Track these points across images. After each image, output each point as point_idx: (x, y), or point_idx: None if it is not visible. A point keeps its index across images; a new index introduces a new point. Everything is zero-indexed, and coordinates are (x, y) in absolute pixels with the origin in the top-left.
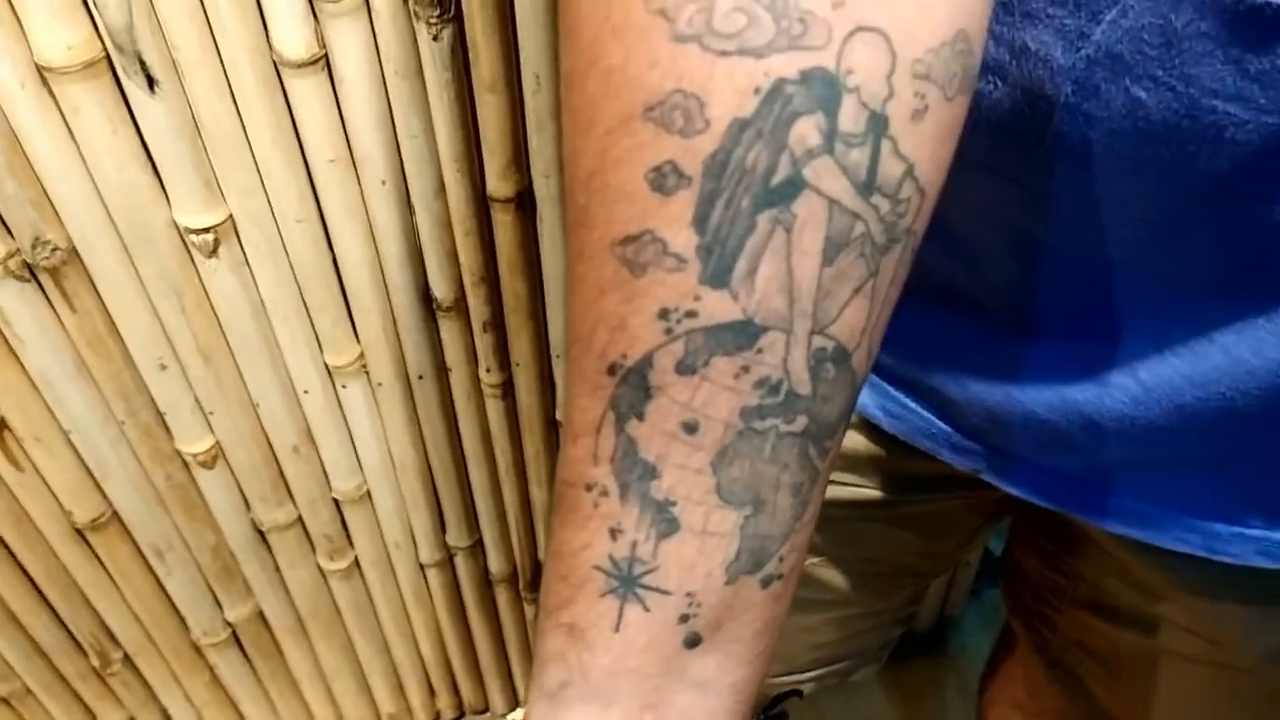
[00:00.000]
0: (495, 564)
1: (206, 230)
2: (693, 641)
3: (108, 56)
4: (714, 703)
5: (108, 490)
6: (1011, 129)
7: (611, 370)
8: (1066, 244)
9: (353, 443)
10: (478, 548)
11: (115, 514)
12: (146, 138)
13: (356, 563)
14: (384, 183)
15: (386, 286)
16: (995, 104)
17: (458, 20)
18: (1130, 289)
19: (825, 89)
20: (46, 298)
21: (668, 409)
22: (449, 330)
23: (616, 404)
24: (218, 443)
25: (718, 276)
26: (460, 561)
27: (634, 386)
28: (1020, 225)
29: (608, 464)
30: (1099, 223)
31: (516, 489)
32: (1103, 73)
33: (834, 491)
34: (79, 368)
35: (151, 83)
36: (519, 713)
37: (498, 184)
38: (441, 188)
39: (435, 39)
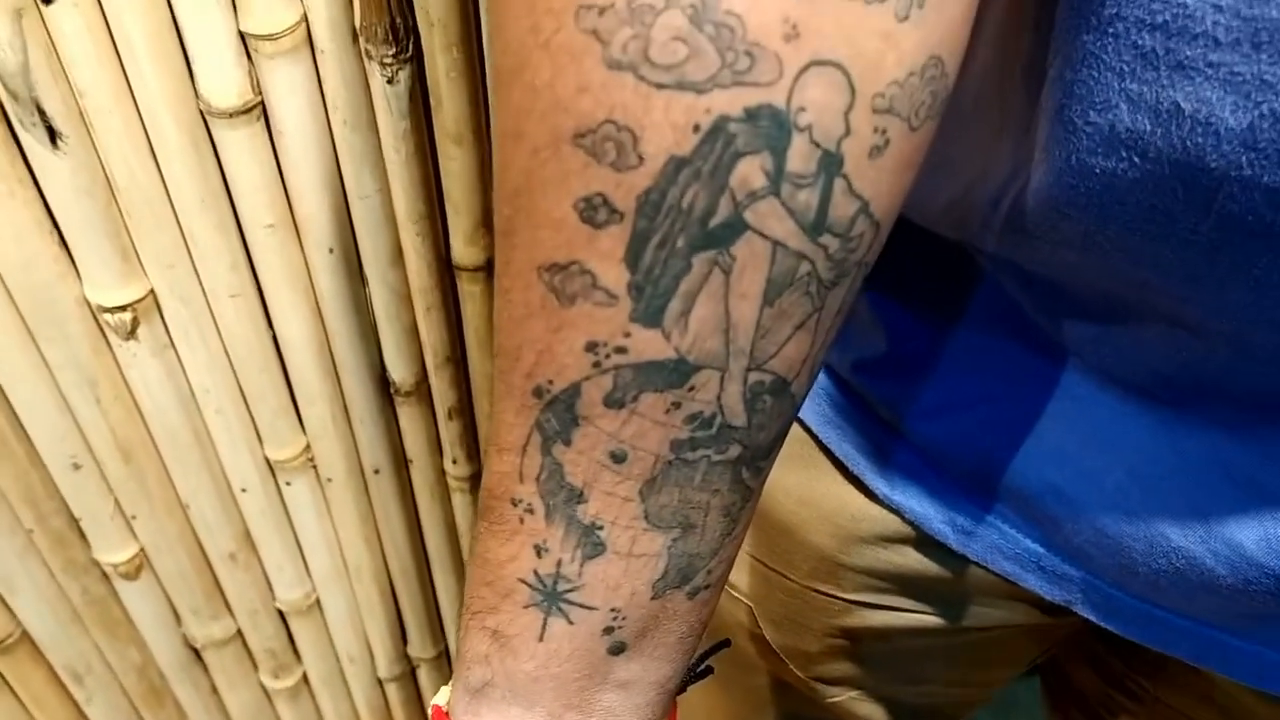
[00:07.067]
0: None
1: (123, 308)
2: (617, 649)
3: (0, 106)
4: (638, 699)
5: (15, 608)
6: (1155, 216)
7: (538, 393)
8: (1237, 343)
9: (299, 546)
10: (443, 658)
11: (25, 634)
12: (50, 201)
13: (305, 680)
14: (331, 250)
15: (336, 369)
16: (1132, 187)
17: (416, 60)
18: None
19: (773, 127)
20: None
21: (595, 438)
22: (409, 418)
23: (542, 427)
24: (142, 550)
25: (649, 316)
26: (425, 674)
27: (560, 412)
28: (1174, 314)
29: (533, 483)
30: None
31: None
32: None
33: (884, 618)
34: None
35: (54, 136)
36: (445, 690)
37: (464, 250)
38: (399, 255)
39: (390, 82)
